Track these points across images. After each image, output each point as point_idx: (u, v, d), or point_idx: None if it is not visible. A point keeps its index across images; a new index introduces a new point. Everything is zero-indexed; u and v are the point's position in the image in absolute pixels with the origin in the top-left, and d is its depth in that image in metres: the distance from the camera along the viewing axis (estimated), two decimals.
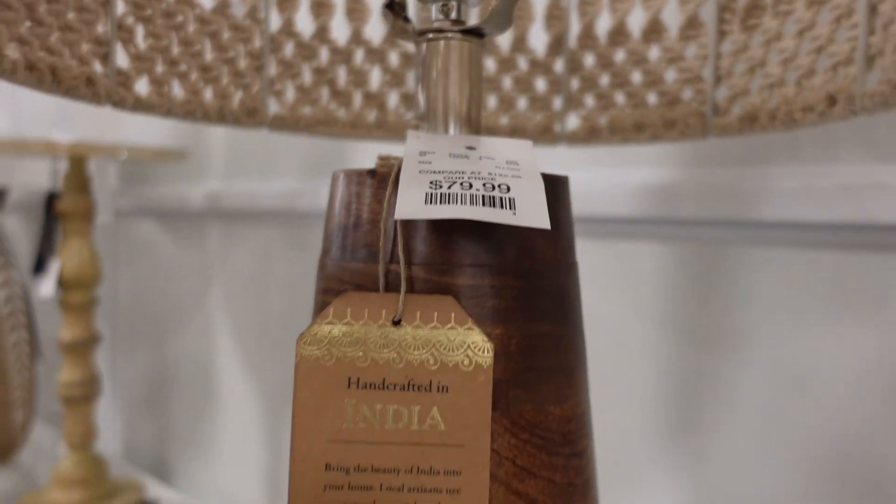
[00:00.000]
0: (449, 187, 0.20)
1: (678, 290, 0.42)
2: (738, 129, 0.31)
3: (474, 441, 0.20)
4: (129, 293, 0.92)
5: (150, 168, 0.85)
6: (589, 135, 0.36)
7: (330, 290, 0.23)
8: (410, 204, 0.20)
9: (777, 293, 0.38)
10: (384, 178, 0.22)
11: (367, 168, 0.23)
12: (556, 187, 0.23)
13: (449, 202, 0.20)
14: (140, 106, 0.31)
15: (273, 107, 0.36)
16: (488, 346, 0.21)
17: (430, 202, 0.20)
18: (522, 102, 0.38)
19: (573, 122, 0.37)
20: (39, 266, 0.62)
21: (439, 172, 0.21)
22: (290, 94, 0.37)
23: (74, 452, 0.63)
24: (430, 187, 0.20)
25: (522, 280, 0.22)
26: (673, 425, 0.42)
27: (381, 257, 0.21)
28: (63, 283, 0.62)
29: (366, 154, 0.60)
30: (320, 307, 0.23)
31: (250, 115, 0.35)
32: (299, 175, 0.67)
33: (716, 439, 0.40)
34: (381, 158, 0.23)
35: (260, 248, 0.72)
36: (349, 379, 0.21)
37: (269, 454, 0.72)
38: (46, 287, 0.61)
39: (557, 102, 0.37)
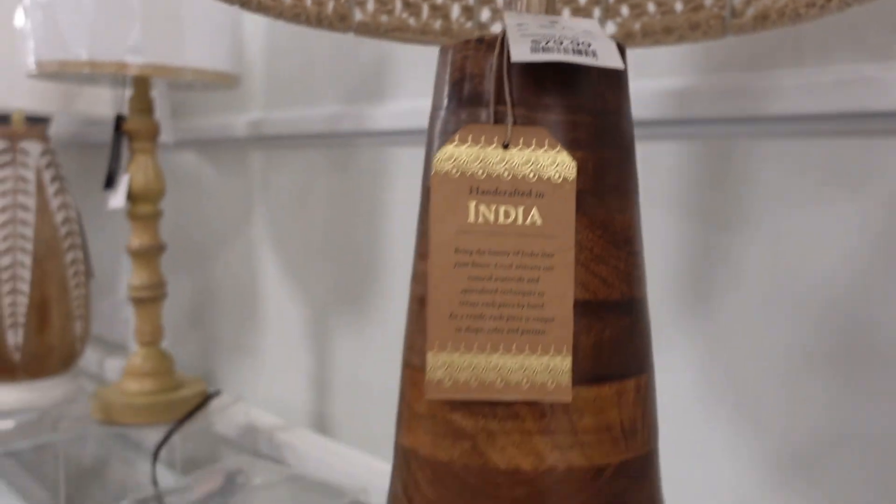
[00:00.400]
0: (546, 43, 0.27)
1: (693, 180, 0.49)
2: (752, 27, 0.38)
3: (563, 233, 0.28)
4: (172, 221, 0.99)
5: (192, 100, 0.91)
6: (624, 38, 0.43)
7: (446, 131, 0.30)
8: (520, 52, 0.27)
9: (778, 178, 0.46)
10: (490, 42, 0.29)
11: (474, 37, 0.30)
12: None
13: (548, 52, 0.27)
14: (260, 8, 0.38)
15: (357, 15, 0.43)
16: (572, 164, 0.28)
17: (534, 52, 0.27)
18: (566, 13, 0.45)
19: (610, 28, 0.44)
20: (110, 181, 0.69)
21: (536, 34, 0.28)
22: (371, 4, 0.43)
23: (144, 348, 0.71)
24: (532, 43, 0.27)
25: (596, 118, 0.29)
26: (688, 293, 0.50)
27: (491, 100, 0.28)
28: (131, 196, 0.69)
29: (402, 78, 0.67)
30: (437, 146, 0.30)
31: (342, 21, 0.42)
32: (341, 100, 0.73)
33: (725, 304, 0.48)
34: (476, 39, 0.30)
35: (302, 172, 0.79)
36: (471, 187, 0.28)
37: (315, 361, 0.79)
38: (117, 200, 0.68)
39: (597, 13, 0.44)
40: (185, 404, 0.69)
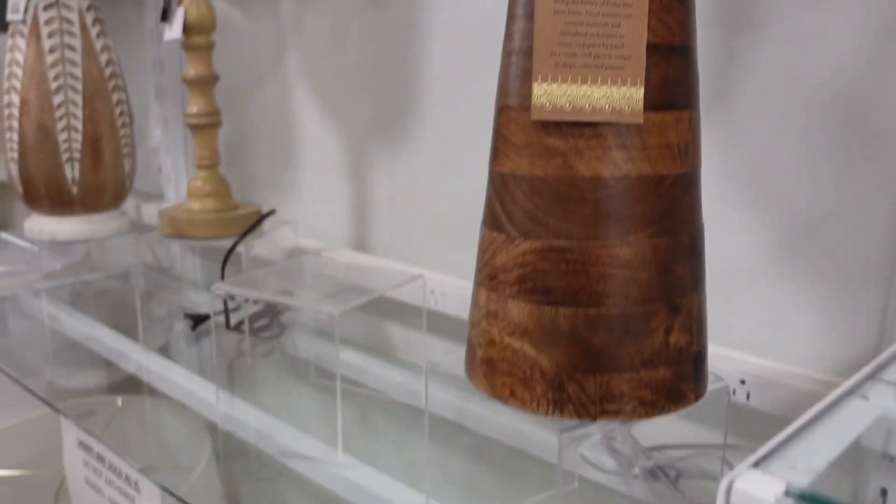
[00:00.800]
0: None
1: None
2: None
3: None
4: None
5: None
6: None
7: None
8: None
9: None
10: None
11: None
12: None
13: None
14: None
15: None
16: None
17: None
18: None
19: None
20: (165, 15, 0.73)
21: None
22: None
23: (203, 171, 0.78)
24: None
25: None
26: (708, 92, 0.57)
27: None
28: (186, 28, 0.74)
29: None
30: None
31: None
32: None
33: (742, 101, 0.56)
34: None
35: (336, 9, 0.83)
36: None
37: (353, 189, 0.87)
38: (173, 32, 0.73)
39: None
40: (244, 220, 0.77)
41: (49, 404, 0.69)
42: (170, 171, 1.11)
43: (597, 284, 0.37)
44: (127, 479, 0.59)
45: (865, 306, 0.53)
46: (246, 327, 0.79)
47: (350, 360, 0.77)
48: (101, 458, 0.62)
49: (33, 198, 0.89)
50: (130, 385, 0.78)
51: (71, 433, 0.65)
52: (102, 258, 1.25)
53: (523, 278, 0.38)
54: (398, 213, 0.82)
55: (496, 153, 0.40)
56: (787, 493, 0.23)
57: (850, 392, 0.32)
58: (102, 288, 1.05)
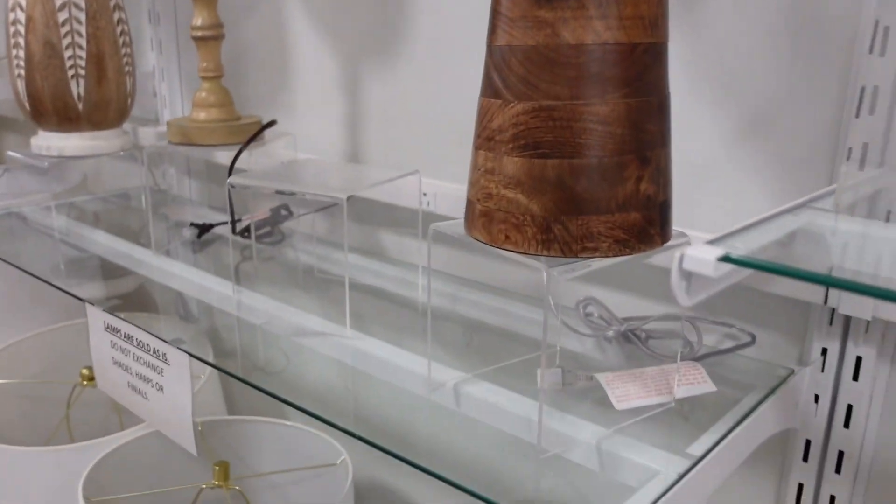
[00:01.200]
0: None
1: None
2: None
3: None
4: None
5: None
6: None
7: None
8: None
9: None
10: None
11: None
12: None
13: None
14: None
15: None
16: None
17: None
18: None
19: None
20: None
21: None
22: None
23: (208, 83, 0.83)
24: None
25: None
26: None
27: None
28: None
29: None
30: None
31: None
32: None
33: (709, 6, 0.62)
34: None
35: None
36: None
37: (347, 104, 0.92)
38: None
39: None
40: (248, 129, 0.82)
41: (73, 295, 0.75)
42: (165, 95, 1.15)
43: (579, 138, 0.43)
44: (155, 352, 0.65)
45: (813, 188, 0.60)
46: (252, 232, 0.85)
47: (350, 260, 0.84)
48: (128, 337, 0.68)
49: (40, 114, 0.93)
50: (141, 293, 0.84)
51: (97, 318, 0.71)
52: (98, 183, 1.29)
53: (517, 136, 0.45)
54: (391, 125, 0.88)
55: (494, 29, 0.46)
56: (723, 258, 0.30)
57: (784, 212, 0.39)
58: (105, 207, 1.10)
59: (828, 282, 0.31)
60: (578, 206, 0.44)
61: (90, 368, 1.04)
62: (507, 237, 0.46)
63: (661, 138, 0.46)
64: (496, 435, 0.54)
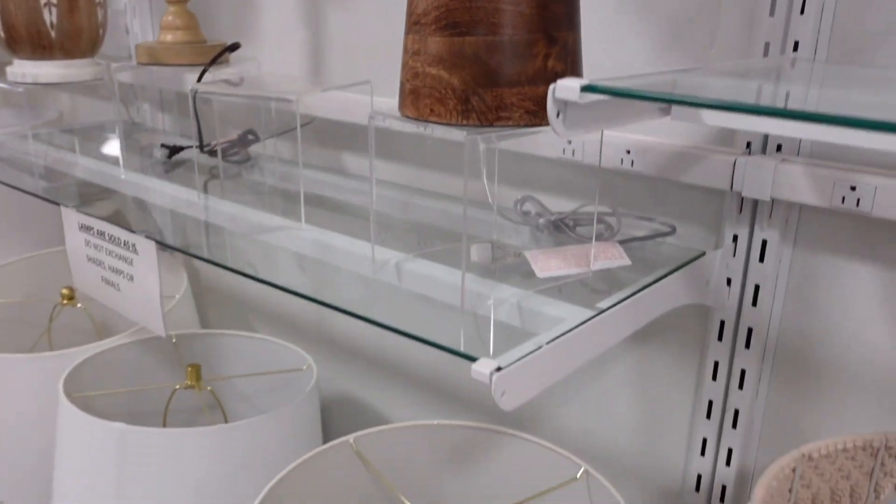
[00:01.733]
0: None
1: None
2: None
3: None
4: None
5: None
6: None
7: None
8: None
9: None
10: None
11: None
12: None
13: None
14: None
15: None
16: None
17: None
18: None
19: None
20: None
21: None
22: None
23: (174, 6, 0.87)
24: None
25: None
26: None
27: None
28: None
29: None
30: None
31: None
32: None
33: None
34: None
35: None
36: None
37: (311, 35, 0.97)
38: None
39: None
40: (213, 51, 0.87)
41: (49, 200, 0.80)
42: (137, 32, 1.19)
43: (493, 17, 0.49)
44: (125, 244, 0.71)
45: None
46: (219, 153, 0.90)
47: (308, 174, 0.90)
48: (101, 234, 0.73)
49: (15, 42, 0.97)
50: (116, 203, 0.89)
51: (72, 219, 0.76)
52: (74, 119, 1.34)
53: (438, 18, 0.50)
54: (350, 51, 0.93)
55: None
56: (586, 87, 0.36)
57: (660, 73, 0.45)
58: (81, 137, 1.15)
59: (668, 99, 0.37)
60: (493, 78, 0.50)
61: (70, 288, 1.09)
62: (431, 110, 0.52)
63: (568, 21, 0.51)
64: (432, 303, 0.60)
